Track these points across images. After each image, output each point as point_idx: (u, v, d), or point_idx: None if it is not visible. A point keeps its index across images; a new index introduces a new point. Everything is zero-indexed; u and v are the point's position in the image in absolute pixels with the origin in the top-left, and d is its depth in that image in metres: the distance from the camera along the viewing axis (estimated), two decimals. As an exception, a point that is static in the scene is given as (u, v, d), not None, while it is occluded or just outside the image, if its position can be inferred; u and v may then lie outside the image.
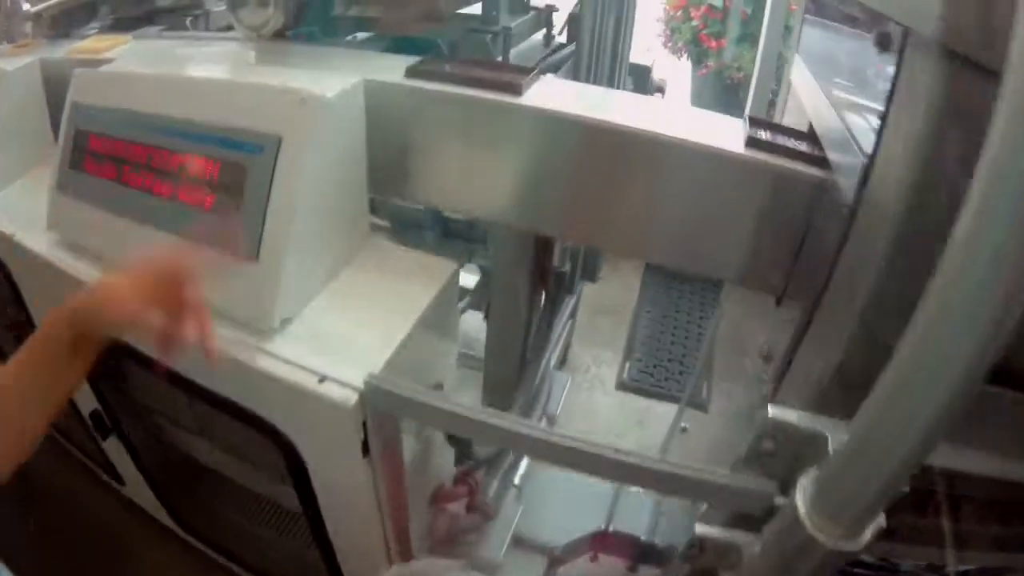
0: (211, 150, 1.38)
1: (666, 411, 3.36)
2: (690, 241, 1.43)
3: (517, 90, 1.43)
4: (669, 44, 5.88)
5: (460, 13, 1.82)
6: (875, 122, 1.02)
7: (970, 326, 0.62)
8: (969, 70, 0.74)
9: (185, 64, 1.74)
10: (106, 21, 2.26)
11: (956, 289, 0.62)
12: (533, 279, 1.76)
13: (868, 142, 1.03)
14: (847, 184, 1.09)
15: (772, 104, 3.98)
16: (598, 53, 1.82)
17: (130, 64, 1.71)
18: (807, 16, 1.83)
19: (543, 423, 2.22)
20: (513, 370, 1.93)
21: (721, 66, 5.57)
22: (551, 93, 1.48)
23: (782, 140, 1.36)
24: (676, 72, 5.97)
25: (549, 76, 1.58)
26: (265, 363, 1.33)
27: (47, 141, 1.94)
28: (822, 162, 1.29)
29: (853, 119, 1.19)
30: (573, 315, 3.07)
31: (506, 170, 1.48)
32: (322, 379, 1.28)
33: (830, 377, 1.00)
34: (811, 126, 1.45)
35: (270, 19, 1.46)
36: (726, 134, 1.38)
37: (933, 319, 0.65)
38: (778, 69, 3.85)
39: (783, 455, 0.99)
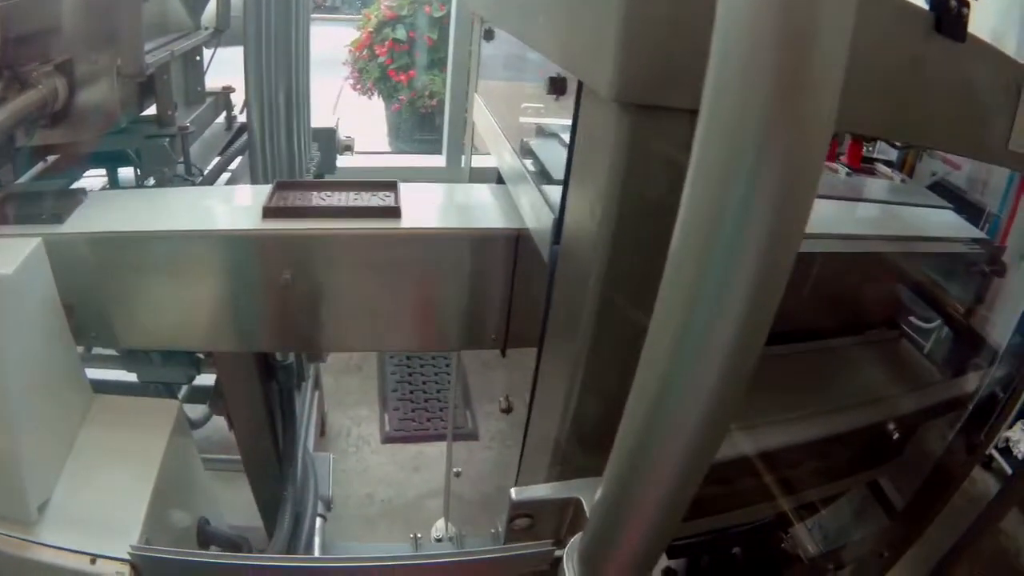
0: None
1: (439, 451, 3.38)
2: (393, 324, 1.45)
3: (58, 219, 1.40)
4: (359, 86, 5.88)
5: (139, 118, 1.75)
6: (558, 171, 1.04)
7: (708, 359, 0.56)
8: (648, 114, 0.76)
9: None
10: None
11: (682, 320, 0.56)
12: (262, 379, 1.72)
13: (555, 194, 1.06)
14: (541, 237, 1.12)
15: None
16: (273, 129, 1.79)
17: None
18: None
19: (320, 508, 2.17)
20: (273, 469, 1.88)
21: (413, 97, 5.62)
22: (108, 210, 1.47)
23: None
24: (369, 113, 6.02)
25: (98, 192, 1.58)
26: (35, 553, 1.28)
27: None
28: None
29: (538, 166, 1.22)
30: (317, 386, 3.02)
31: (163, 298, 1.43)
32: (93, 559, 1.25)
33: (567, 435, 1.01)
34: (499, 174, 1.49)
35: None
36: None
37: (661, 363, 0.59)
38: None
39: (546, 522, 0.98)
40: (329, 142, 2.57)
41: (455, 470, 2.67)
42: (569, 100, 0.98)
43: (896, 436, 1.40)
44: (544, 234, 1.09)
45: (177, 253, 1.36)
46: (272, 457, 1.88)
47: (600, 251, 0.86)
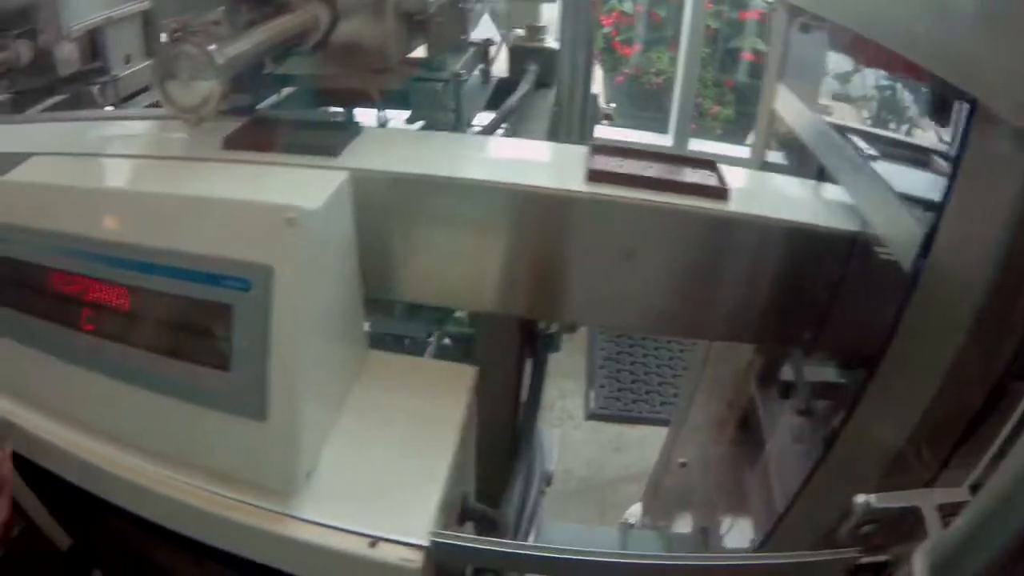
0: (182, 286, 1.07)
1: (641, 434, 3.33)
2: (693, 309, 1.32)
3: (332, 152, 1.28)
4: (582, 54, 5.84)
5: (404, 60, 1.67)
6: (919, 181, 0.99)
7: None
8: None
9: (117, 168, 1.40)
10: (4, 96, 2.02)
11: None
12: (520, 348, 1.65)
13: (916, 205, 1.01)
14: (899, 245, 1.03)
15: (696, 107, 3.98)
16: (575, 89, 1.72)
17: (41, 165, 1.35)
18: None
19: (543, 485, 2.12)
20: (507, 442, 1.82)
21: (638, 72, 5.55)
22: (391, 148, 1.35)
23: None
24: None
25: (373, 128, 1.46)
26: (299, 532, 1.06)
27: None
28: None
29: (889, 173, 1.13)
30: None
31: (456, 253, 1.31)
32: (374, 542, 1.03)
33: (907, 446, 0.97)
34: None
35: (211, 97, 1.19)
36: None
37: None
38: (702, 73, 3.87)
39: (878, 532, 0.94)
40: (593, 109, 2.51)
41: (680, 460, 2.57)
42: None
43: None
44: (904, 243, 1.00)
45: (484, 206, 1.25)
46: (508, 426, 1.82)
47: (985, 276, 0.80)
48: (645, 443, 3.19)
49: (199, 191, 1.15)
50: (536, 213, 1.24)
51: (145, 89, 2.27)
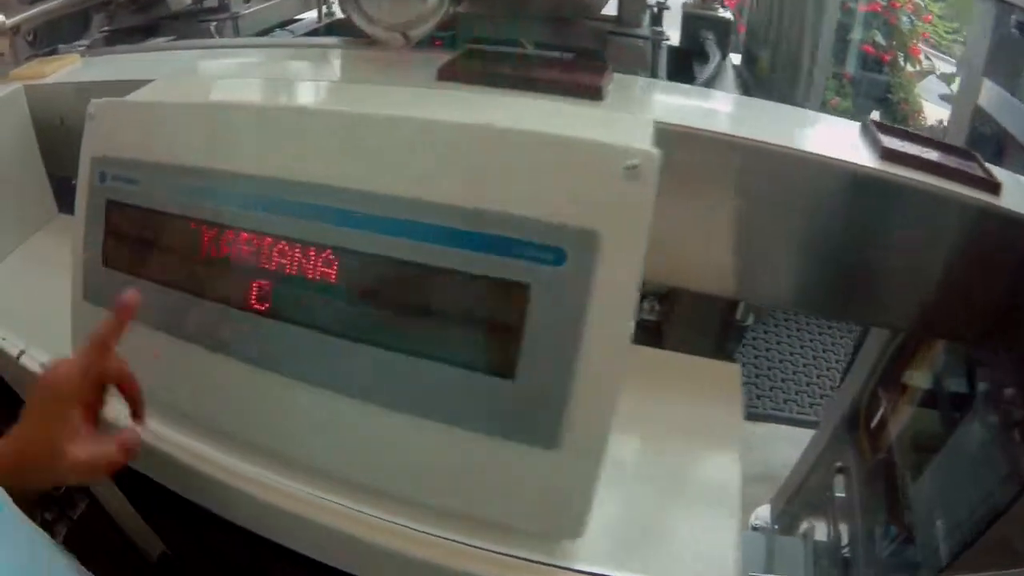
0: (438, 253, 0.78)
1: (766, 431, 3.17)
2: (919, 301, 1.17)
3: (598, 95, 1.07)
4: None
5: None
6: None
7: None
8: None
9: (301, 90, 1.10)
10: (99, 34, 1.92)
11: None
12: (716, 338, 1.52)
13: None
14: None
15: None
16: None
17: (177, 85, 1.11)
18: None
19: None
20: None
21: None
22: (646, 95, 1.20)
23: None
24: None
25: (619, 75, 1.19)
26: None
27: (46, 198, 1.44)
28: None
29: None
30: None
31: (740, 229, 1.11)
32: None
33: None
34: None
35: (430, 14, 1.02)
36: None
37: None
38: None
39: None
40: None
41: (837, 464, 2.40)
42: None
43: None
44: None
45: (768, 174, 1.05)
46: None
47: None
48: (769, 442, 3.05)
49: (466, 119, 0.85)
50: (825, 187, 1.08)
51: (269, 31, 2.18)
